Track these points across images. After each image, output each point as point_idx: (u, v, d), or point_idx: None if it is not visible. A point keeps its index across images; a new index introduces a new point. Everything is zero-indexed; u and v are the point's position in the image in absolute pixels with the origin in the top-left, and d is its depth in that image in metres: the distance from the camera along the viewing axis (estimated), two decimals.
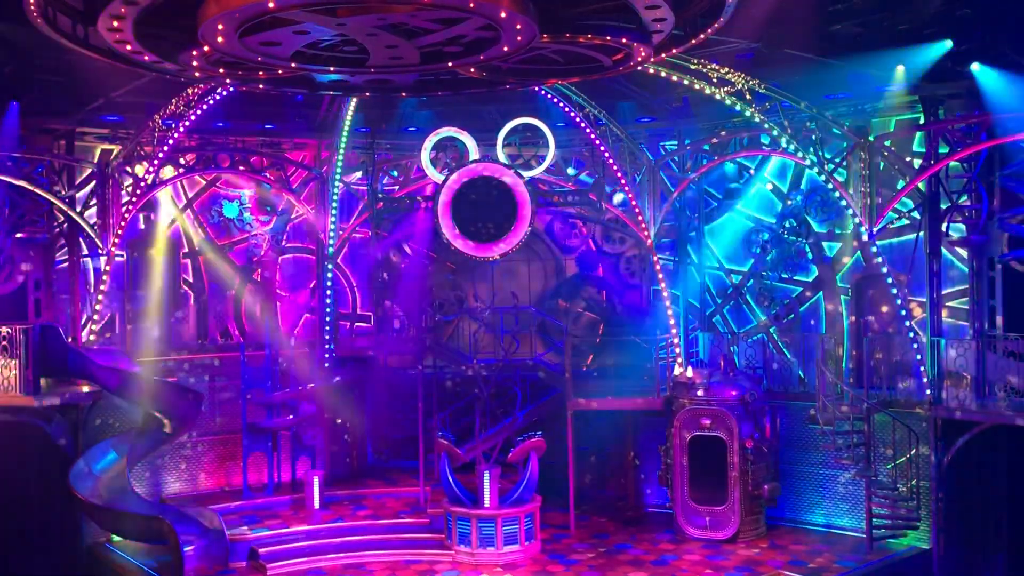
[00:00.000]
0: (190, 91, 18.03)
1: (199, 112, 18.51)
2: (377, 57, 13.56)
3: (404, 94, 17.43)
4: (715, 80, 17.10)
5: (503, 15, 11.52)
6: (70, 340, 18.13)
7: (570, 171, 21.75)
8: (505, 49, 12.99)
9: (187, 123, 18.63)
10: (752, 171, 20.36)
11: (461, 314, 22.25)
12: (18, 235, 18.56)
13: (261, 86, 15.92)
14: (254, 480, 20.25)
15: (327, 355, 21.70)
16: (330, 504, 19.80)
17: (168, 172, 19.73)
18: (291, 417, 20.54)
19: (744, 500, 17.61)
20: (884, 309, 18.29)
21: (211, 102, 18.39)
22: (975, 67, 15.55)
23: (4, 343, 16.38)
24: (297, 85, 16.09)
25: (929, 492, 16.69)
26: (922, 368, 16.88)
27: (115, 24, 12.03)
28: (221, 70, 14.56)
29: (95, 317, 18.75)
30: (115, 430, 17.96)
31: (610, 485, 20.17)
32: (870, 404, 16.78)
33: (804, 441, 18.50)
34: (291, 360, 20.96)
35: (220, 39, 12.21)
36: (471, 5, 11.24)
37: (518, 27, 12.05)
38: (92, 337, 18.63)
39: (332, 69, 14.20)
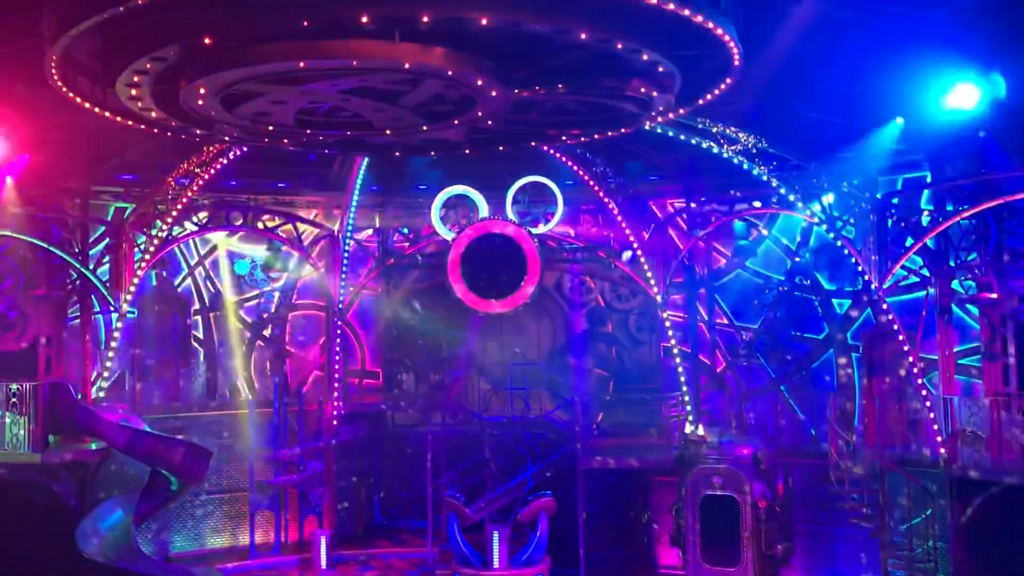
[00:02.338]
0: (204, 150, 18.28)
1: (213, 171, 18.75)
2: (378, 121, 13.63)
3: (467, 151, 17.18)
4: (722, 139, 17.26)
5: (450, 72, 11.29)
6: (80, 397, 18.11)
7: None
8: (489, 105, 12.73)
9: (200, 182, 18.86)
10: (761, 229, 20.42)
11: (470, 371, 22.18)
12: (31, 292, 18.67)
13: (325, 150, 16.06)
14: (261, 539, 20.06)
15: (336, 412, 21.65)
16: (337, 564, 19.61)
17: (180, 230, 19.91)
18: (298, 475, 20.42)
19: (757, 561, 17.31)
20: (901, 372, 18.13)
21: (224, 161, 18.64)
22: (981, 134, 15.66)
23: (14, 400, 16.39)
24: (356, 148, 16.12)
25: (946, 553, 16.38)
26: (935, 427, 16.69)
27: (138, 102, 12.29)
28: (266, 140, 14.70)
29: (105, 374, 18.78)
30: (129, 477, 17.85)
31: (621, 545, 19.89)
32: (884, 463, 16.57)
33: (818, 500, 18.22)
34: (299, 417, 20.90)
35: (212, 113, 12.37)
36: (406, 66, 11.03)
37: (479, 83, 11.73)
38: (102, 394, 18.63)
39: (348, 133, 14.34)
